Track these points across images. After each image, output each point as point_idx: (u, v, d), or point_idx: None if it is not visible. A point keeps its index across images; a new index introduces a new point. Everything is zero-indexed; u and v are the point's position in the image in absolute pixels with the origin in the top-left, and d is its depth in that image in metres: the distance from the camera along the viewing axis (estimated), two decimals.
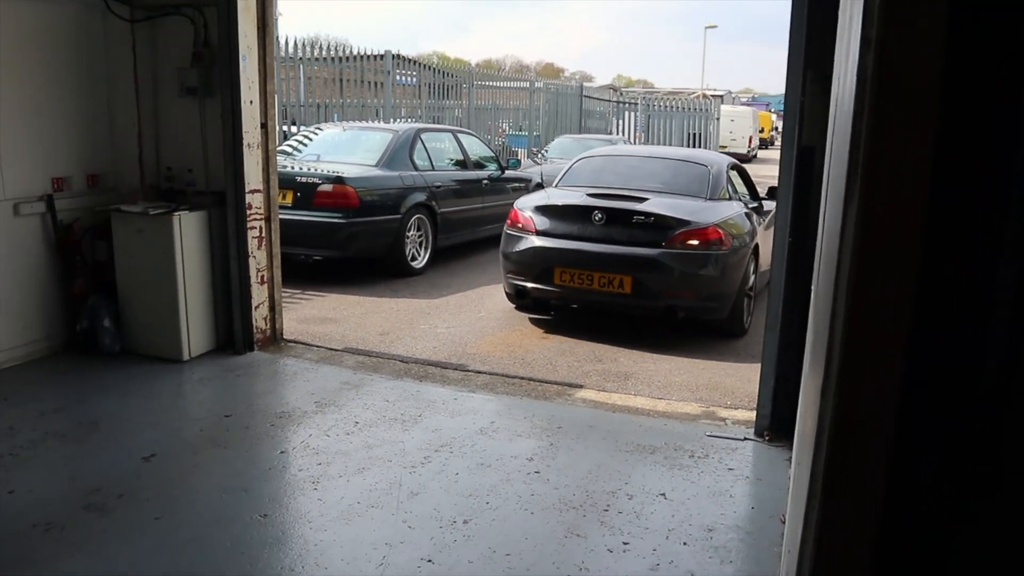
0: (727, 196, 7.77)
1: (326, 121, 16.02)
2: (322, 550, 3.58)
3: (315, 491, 4.11)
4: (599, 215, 7.08)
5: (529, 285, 7.32)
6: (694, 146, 22.92)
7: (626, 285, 6.85)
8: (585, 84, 32.69)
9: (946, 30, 1.20)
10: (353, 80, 18.38)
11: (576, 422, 5.13)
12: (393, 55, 19.55)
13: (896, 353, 1.33)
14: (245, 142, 5.97)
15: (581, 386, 5.93)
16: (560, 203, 7.46)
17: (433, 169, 10.19)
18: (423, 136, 10.34)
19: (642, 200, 7.22)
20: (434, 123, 18.86)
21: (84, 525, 3.71)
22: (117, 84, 6.22)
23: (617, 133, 27.28)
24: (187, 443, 4.64)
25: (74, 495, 3.98)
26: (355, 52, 18.50)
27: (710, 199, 7.54)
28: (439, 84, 21.90)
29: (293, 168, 9.33)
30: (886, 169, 1.26)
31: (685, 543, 3.71)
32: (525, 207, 7.61)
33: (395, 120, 18.14)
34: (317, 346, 6.62)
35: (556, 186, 8.30)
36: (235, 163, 5.97)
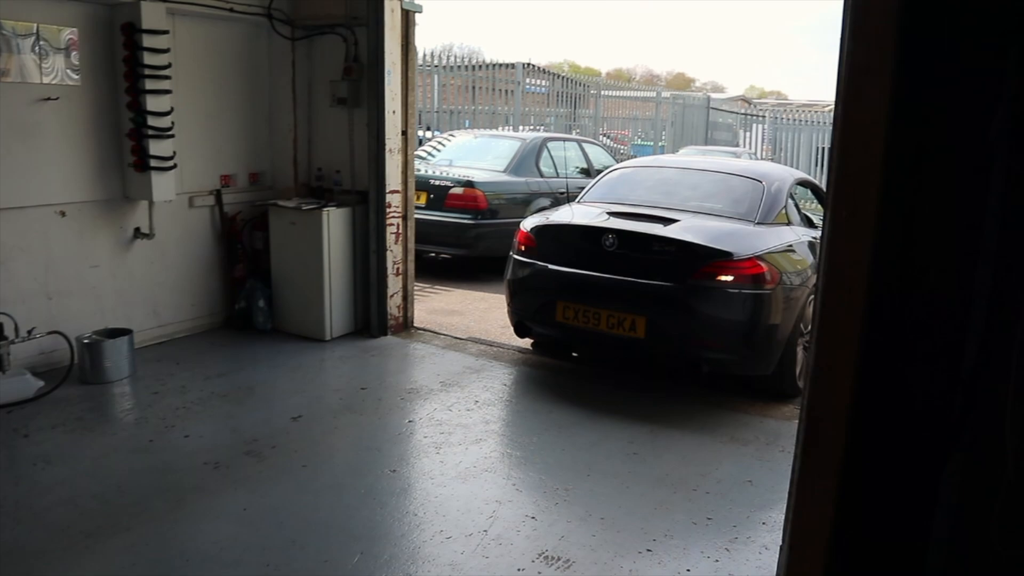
0: (786, 220, 6.20)
1: (458, 127, 16.81)
2: (441, 502, 4.14)
3: (437, 455, 4.69)
4: (611, 239, 5.69)
5: (528, 321, 6.23)
6: (820, 163, 22.44)
7: (639, 327, 5.51)
8: (714, 95, 32.71)
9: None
10: (485, 88, 19.15)
11: (676, 412, 5.53)
12: (524, 64, 20.22)
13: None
14: (387, 147, 6.65)
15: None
16: (566, 223, 6.16)
17: (558, 176, 10.72)
18: (549, 145, 10.89)
19: (670, 222, 5.80)
20: (564, 131, 19.41)
21: (244, 467, 4.41)
22: (277, 94, 7.04)
23: (743, 146, 27.14)
24: (328, 408, 5.32)
25: (236, 443, 4.69)
26: (488, 61, 19.29)
27: (761, 223, 5.96)
28: (568, 93, 22.47)
29: (427, 172, 10.03)
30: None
31: (764, 523, 4.07)
32: (528, 226, 6.31)
33: (524, 128, 18.78)
34: (444, 334, 7.23)
35: (579, 201, 6.89)
36: (378, 166, 6.66)
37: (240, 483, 4.24)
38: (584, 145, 12.03)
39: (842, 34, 1.67)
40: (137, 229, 6.24)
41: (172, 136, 6.04)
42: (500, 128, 17.79)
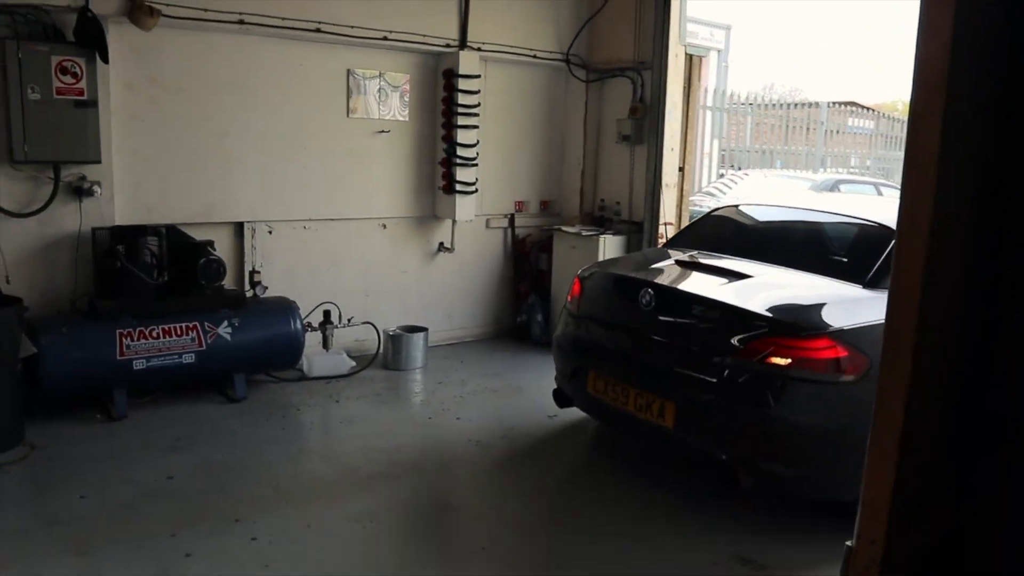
0: None
1: (769, 167, 16.87)
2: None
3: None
4: (648, 296, 4.50)
5: (565, 388, 5.19)
6: None
7: (667, 415, 4.25)
8: None
9: None
10: (798, 127, 18.98)
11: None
12: (836, 103, 19.73)
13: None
14: (664, 182, 7.20)
15: None
16: (607, 271, 5.15)
17: None
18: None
19: (740, 277, 4.54)
20: (884, 175, 18.70)
21: (500, 448, 5.16)
22: (570, 131, 7.87)
23: None
24: (580, 413, 5.94)
25: (496, 429, 5.46)
26: (802, 100, 19.10)
27: (873, 286, 4.25)
28: (894, 135, 21.52)
29: (703, 207, 10.39)
30: None
31: None
32: (581, 272, 5.29)
33: (825, 169, 18.34)
34: None
35: (667, 244, 5.91)
36: (653, 199, 7.22)
37: (497, 461, 4.99)
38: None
39: None
40: (441, 243, 7.32)
41: (476, 165, 7.05)
42: (802, 170, 17.58)
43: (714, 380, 4.09)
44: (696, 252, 5.15)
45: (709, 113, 13.34)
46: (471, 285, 7.62)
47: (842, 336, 3.91)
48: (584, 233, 7.32)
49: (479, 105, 6.98)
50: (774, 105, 18.75)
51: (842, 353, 3.87)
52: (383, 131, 6.85)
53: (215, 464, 4.72)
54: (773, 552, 3.94)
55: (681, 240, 5.64)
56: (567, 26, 7.53)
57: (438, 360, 6.92)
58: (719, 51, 16.75)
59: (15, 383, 4.80)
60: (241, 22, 5.88)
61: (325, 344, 6.43)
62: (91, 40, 5.23)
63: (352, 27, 6.35)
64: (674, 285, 4.64)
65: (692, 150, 7.50)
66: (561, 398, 5.19)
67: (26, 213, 5.34)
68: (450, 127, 6.95)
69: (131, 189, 5.76)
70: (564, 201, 8.04)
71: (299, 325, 6.00)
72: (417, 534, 4.23)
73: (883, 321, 3.53)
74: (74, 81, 5.24)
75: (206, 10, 5.71)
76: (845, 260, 4.80)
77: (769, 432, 3.96)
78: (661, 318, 4.46)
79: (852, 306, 4.17)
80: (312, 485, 4.54)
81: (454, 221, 7.21)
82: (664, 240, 7.24)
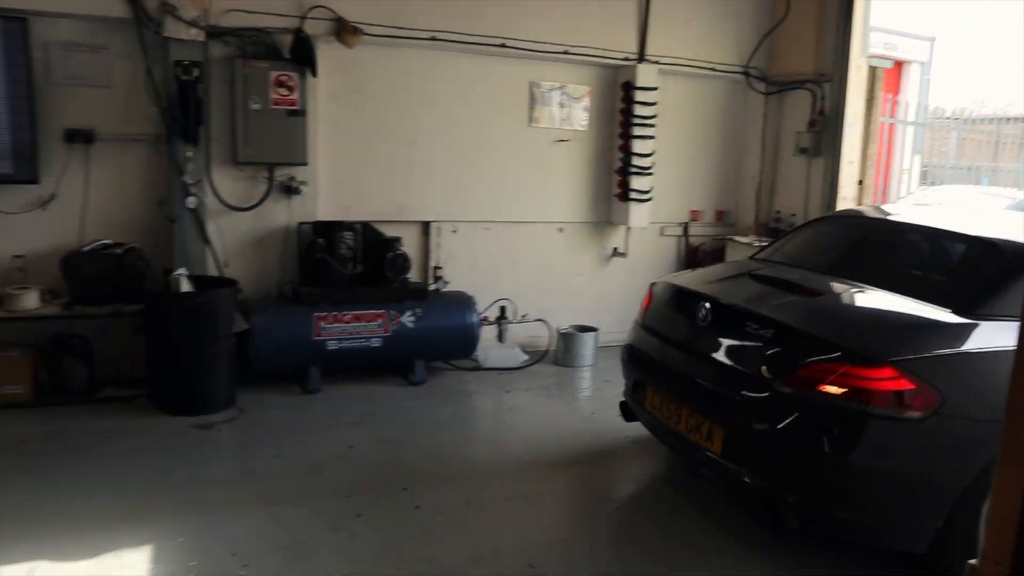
0: None
1: (975, 184, 15.94)
2: None
3: None
4: (704, 311, 4.22)
5: (630, 400, 4.90)
6: None
7: (715, 439, 3.94)
8: None
9: None
10: (1009, 144, 17.76)
11: None
12: None
13: None
14: (840, 195, 7.13)
15: None
16: (670, 281, 4.89)
17: None
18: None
19: (813, 295, 4.17)
20: None
21: (659, 449, 5.33)
22: (747, 142, 7.92)
23: None
24: None
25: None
26: (1016, 115, 17.85)
27: (969, 312, 3.67)
28: None
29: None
30: None
31: None
32: (656, 282, 5.07)
33: None
34: None
35: (755, 256, 5.37)
36: (829, 212, 7.16)
37: (652, 457, 5.19)
38: None
39: None
40: (615, 249, 7.59)
41: (651, 174, 7.27)
42: (1010, 188, 16.43)
43: (760, 406, 3.71)
44: (780, 264, 4.79)
45: (910, 128, 12.81)
46: (642, 290, 7.75)
47: (910, 366, 3.40)
48: (757, 243, 7.36)
49: (656, 116, 7.19)
50: (982, 120, 17.63)
51: (907, 385, 3.37)
52: (562, 140, 7.21)
53: (391, 439, 5.23)
54: None
55: (773, 250, 5.17)
56: (746, 39, 7.61)
57: (606, 360, 7.16)
58: (922, 64, 15.98)
59: (230, 354, 5.52)
60: (433, 39, 6.42)
61: (500, 337, 6.86)
62: (303, 57, 5.93)
63: (535, 42, 6.76)
64: (732, 300, 4.20)
65: (872, 164, 7.36)
66: (627, 412, 4.91)
67: (244, 208, 6.10)
68: (627, 137, 7.20)
69: (332, 189, 6.43)
70: (739, 211, 8.09)
71: (476, 319, 6.47)
72: (567, 519, 4.51)
73: (969, 351, 3.50)
74: (288, 93, 5.95)
75: (402, 28, 6.30)
76: (943, 280, 4.28)
77: (815, 470, 3.54)
78: (716, 334, 4.13)
79: (932, 333, 3.64)
80: (475, 465, 4.94)
81: (628, 227, 7.46)
82: None
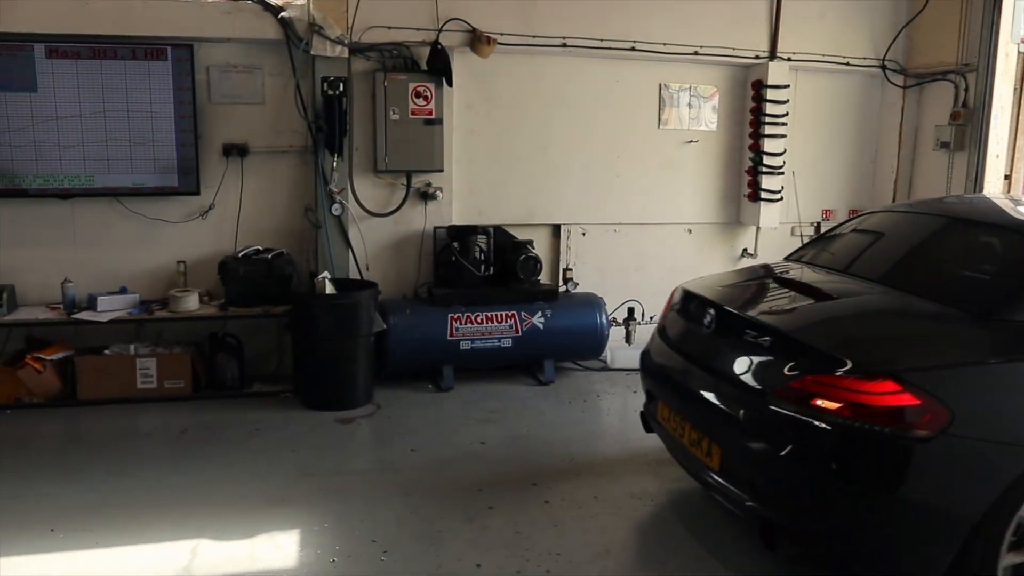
0: None
1: None
2: None
3: None
4: (709, 317, 3.93)
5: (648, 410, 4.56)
6: None
7: (714, 457, 3.66)
8: None
9: None
10: None
11: None
12: None
13: None
14: (985, 191, 6.83)
15: None
16: (685, 286, 4.45)
17: None
18: None
19: (824, 298, 3.86)
20: None
21: None
22: (883, 138, 7.68)
23: None
24: None
25: None
26: None
27: (990, 318, 3.28)
28: None
29: None
30: None
31: None
32: (678, 287, 4.57)
33: None
34: None
35: (789, 256, 4.88)
36: None
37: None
38: None
39: None
40: (744, 249, 7.53)
41: (782, 173, 7.17)
42: None
43: (753, 423, 3.42)
44: (814, 265, 4.44)
45: None
46: None
47: (916, 380, 2.99)
48: None
49: (787, 114, 7.09)
50: None
51: (911, 401, 2.96)
52: (692, 141, 7.21)
53: (521, 436, 5.41)
54: None
55: (811, 249, 4.78)
56: (883, 31, 7.38)
57: None
58: None
59: (369, 352, 5.84)
60: (564, 44, 6.56)
61: (628, 339, 6.93)
62: (440, 68, 6.19)
63: (665, 44, 6.79)
64: (736, 306, 3.91)
65: (1022, 156, 7.00)
66: (646, 423, 4.55)
67: (384, 213, 6.42)
68: (757, 136, 7.13)
69: (466, 194, 6.67)
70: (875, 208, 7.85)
71: (605, 319, 6.58)
72: (688, 517, 4.53)
73: (986, 363, 3.15)
74: (425, 103, 6.23)
75: (534, 36, 6.47)
76: (969, 282, 3.73)
77: (809, 494, 3.23)
78: (718, 343, 3.83)
79: (946, 342, 3.30)
80: (602, 462, 5.05)
81: (758, 228, 7.38)
82: None
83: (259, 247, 6.14)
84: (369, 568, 3.71)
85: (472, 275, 6.30)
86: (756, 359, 3.54)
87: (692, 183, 7.32)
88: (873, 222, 4.64)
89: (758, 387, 3.42)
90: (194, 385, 5.95)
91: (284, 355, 6.33)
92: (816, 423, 3.10)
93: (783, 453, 3.22)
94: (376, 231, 6.46)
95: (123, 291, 5.96)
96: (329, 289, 5.74)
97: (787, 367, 3.30)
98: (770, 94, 7.02)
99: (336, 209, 6.14)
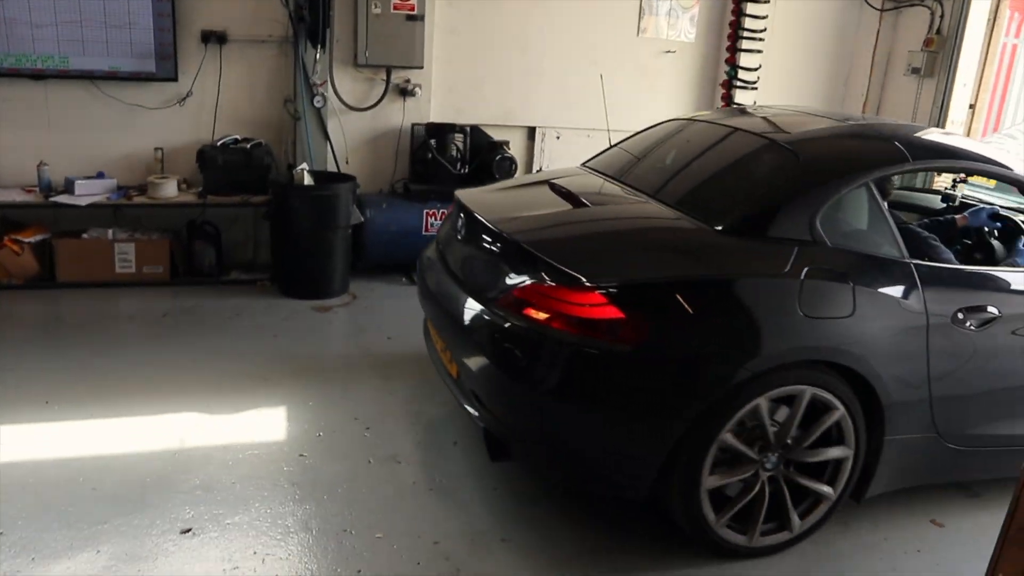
0: (807, 236, 3.19)
1: None
2: None
3: None
4: (460, 222, 3.78)
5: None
6: None
7: (454, 367, 3.59)
8: None
9: None
10: None
11: None
12: None
13: None
14: (949, 118, 7.05)
15: None
16: (457, 194, 4.05)
17: None
18: None
19: (579, 205, 3.69)
20: None
21: None
22: (856, 62, 7.82)
23: None
24: None
25: None
26: None
27: (735, 232, 3.23)
28: None
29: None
30: None
31: None
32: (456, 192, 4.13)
33: None
34: None
35: (585, 163, 4.52)
36: None
37: None
38: None
39: None
40: None
41: (756, 88, 7.31)
42: None
43: (476, 330, 3.32)
44: (599, 175, 4.13)
45: None
46: None
47: (623, 294, 2.95)
48: None
49: (765, 30, 7.18)
50: None
51: (615, 314, 2.91)
52: (669, 51, 7.29)
53: None
54: None
55: (608, 156, 4.45)
56: None
57: None
58: None
59: (347, 244, 5.97)
60: None
61: None
62: None
63: None
64: (483, 212, 3.62)
65: (988, 88, 7.20)
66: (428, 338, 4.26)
67: (363, 108, 6.45)
68: (734, 51, 7.24)
69: (444, 92, 6.71)
70: None
71: None
72: None
73: (699, 280, 3.03)
74: None
75: None
76: (722, 196, 3.54)
77: (521, 403, 3.14)
78: (466, 251, 3.65)
79: (669, 257, 3.22)
80: None
81: None
82: None
83: (237, 136, 6.15)
84: (353, 442, 3.93)
85: (448, 172, 6.40)
86: (491, 267, 3.44)
87: (667, 93, 7.42)
88: (672, 128, 4.31)
89: (486, 295, 3.31)
90: (172, 271, 6.03)
91: (260, 245, 6.42)
92: (527, 332, 3.04)
93: (496, 362, 3.16)
94: (354, 125, 6.49)
95: (100, 176, 5.95)
96: (308, 181, 5.81)
97: (510, 275, 3.23)
98: (750, 9, 7.11)
99: (318, 101, 6.15)
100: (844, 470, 3.28)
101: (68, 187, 5.81)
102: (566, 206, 3.70)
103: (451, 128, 6.46)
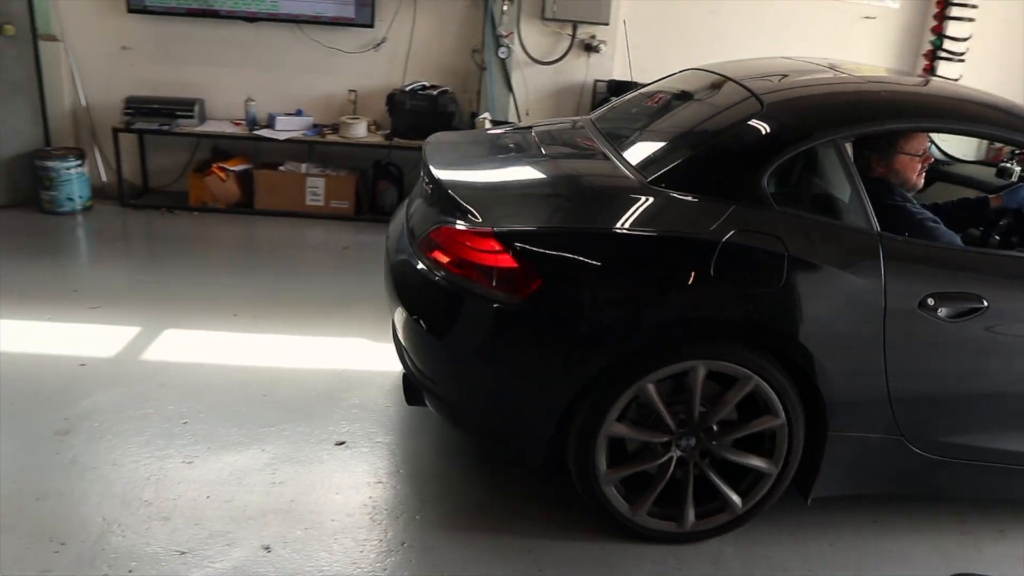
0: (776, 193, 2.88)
1: None
2: None
3: None
4: (423, 171, 3.45)
5: None
6: None
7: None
8: None
9: None
10: None
11: None
12: None
13: None
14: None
15: None
16: (427, 138, 3.89)
17: None
18: None
19: (539, 158, 3.48)
20: None
21: None
22: None
23: None
24: None
25: None
26: None
27: (664, 184, 2.92)
28: None
29: None
30: None
31: None
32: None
33: None
34: None
35: (598, 111, 4.28)
36: None
37: None
38: None
39: None
40: None
41: (963, 61, 6.82)
42: None
43: (399, 273, 3.22)
44: (592, 122, 3.85)
45: None
46: None
47: (520, 240, 2.75)
48: None
49: None
50: None
51: (509, 263, 2.72)
52: (869, 17, 6.92)
53: None
54: None
55: (614, 105, 4.20)
56: None
57: None
58: None
59: None
60: None
61: None
62: None
63: None
64: (433, 153, 3.48)
65: None
66: None
67: (547, 61, 6.55)
68: (942, 18, 6.77)
69: (629, 50, 6.69)
70: None
71: None
72: None
73: (602, 230, 2.77)
74: None
75: None
76: (667, 146, 3.22)
77: (426, 349, 3.03)
78: (427, 200, 3.31)
79: (584, 209, 2.99)
80: None
81: None
82: None
83: (425, 83, 6.41)
84: None
85: None
86: (426, 211, 3.24)
87: (864, 62, 7.04)
88: (682, 79, 3.93)
89: (415, 238, 3.15)
90: (356, 207, 6.42)
91: None
92: (427, 275, 2.94)
93: (404, 304, 3.08)
94: (537, 78, 6.60)
95: (299, 113, 6.41)
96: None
97: (435, 219, 3.05)
98: None
99: (503, 52, 6.30)
100: (780, 441, 2.89)
101: (270, 122, 6.30)
102: (522, 153, 3.59)
103: (632, 87, 6.44)
